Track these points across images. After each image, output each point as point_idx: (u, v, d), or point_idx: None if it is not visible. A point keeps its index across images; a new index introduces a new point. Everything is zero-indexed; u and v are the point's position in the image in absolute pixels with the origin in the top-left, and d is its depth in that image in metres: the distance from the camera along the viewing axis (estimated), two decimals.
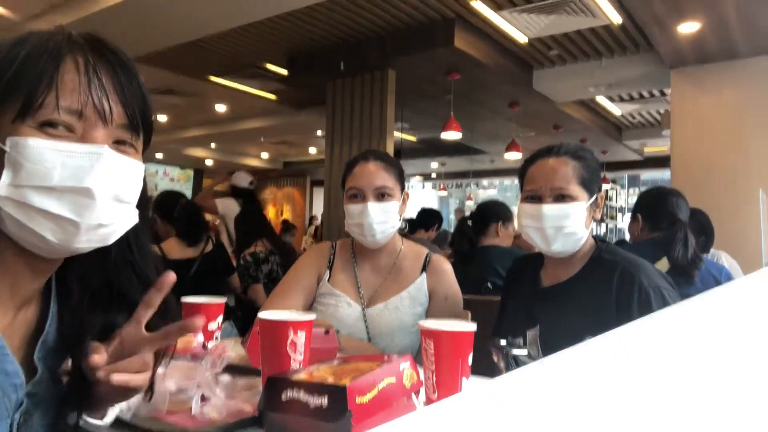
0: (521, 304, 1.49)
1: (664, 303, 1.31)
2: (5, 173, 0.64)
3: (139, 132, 0.73)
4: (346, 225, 1.65)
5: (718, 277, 2.23)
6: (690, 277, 2.05)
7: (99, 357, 0.69)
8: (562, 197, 1.39)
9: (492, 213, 3.01)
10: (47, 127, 0.65)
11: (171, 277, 0.73)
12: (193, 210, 3.32)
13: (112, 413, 0.79)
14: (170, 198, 3.29)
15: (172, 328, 0.73)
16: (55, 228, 0.66)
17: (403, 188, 1.69)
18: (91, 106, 0.67)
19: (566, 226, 1.38)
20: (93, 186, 0.65)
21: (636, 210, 2.41)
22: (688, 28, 4.44)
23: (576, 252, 1.44)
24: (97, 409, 0.77)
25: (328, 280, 1.67)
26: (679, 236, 2.12)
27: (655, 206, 2.33)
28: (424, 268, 1.68)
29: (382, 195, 1.61)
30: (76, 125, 0.67)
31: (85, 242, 0.68)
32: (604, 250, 1.45)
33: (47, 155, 0.64)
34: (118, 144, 0.71)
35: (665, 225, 2.22)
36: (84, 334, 0.74)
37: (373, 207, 1.59)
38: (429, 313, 1.65)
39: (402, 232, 1.74)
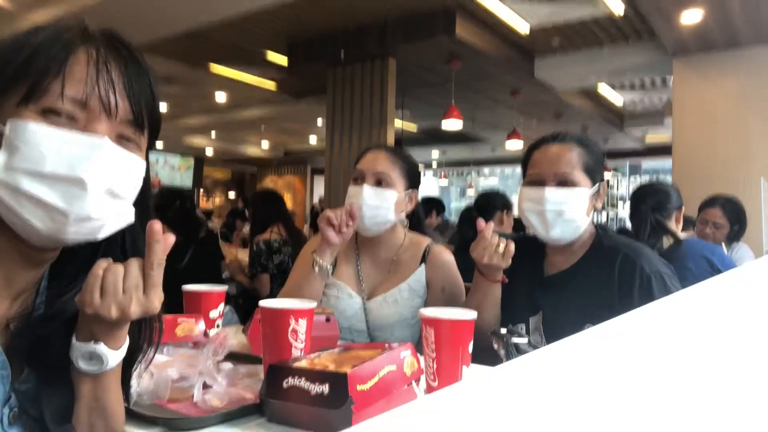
0: (523, 292, 1.49)
1: (666, 288, 1.32)
2: (0, 155, 0.63)
3: (143, 129, 0.72)
4: None
5: (710, 257, 2.24)
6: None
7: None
8: (564, 182, 1.39)
9: (496, 201, 3.18)
10: (50, 115, 0.64)
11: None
12: (186, 213, 3.35)
13: (125, 345, 0.73)
14: (165, 197, 3.32)
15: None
16: (44, 216, 0.64)
17: (411, 186, 1.68)
18: (96, 97, 0.66)
19: (566, 211, 1.37)
20: (86, 176, 0.64)
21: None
22: (691, 16, 4.41)
23: (576, 240, 1.44)
24: (111, 338, 0.70)
25: (332, 273, 1.67)
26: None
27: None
28: (423, 260, 1.68)
29: (379, 181, 1.62)
30: (80, 116, 0.66)
31: (73, 234, 0.67)
32: (604, 237, 1.46)
33: (44, 141, 0.63)
34: (120, 139, 0.70)
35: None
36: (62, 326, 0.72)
37: (368, 190, 1.59)
38: (426, 305, 1.64)
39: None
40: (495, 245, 1.39)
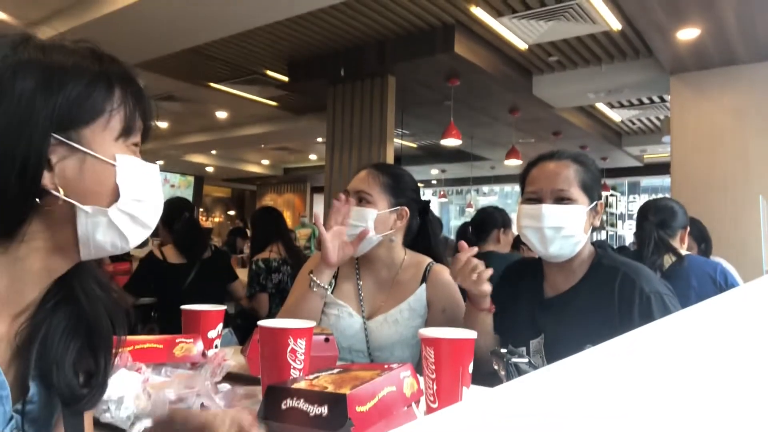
0: (523, 314, 1.48)
1: (665, 308, 1.31)
2: (122, 187, 0.71)
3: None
4: None
5: (713, 274, 2.23)
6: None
7: None
8: (561, 199, 1.40)
9: (493, 219, 3.06)
10: (133, 147, 0.75)
11: None
12: (192, 226, 3.33)
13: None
14: (174, 207, 3.28)
15: None
16: (141, 235, 0.75)
17: (399, 203, 1.65)
18: (143, 126, 0.76)
19: (564, 228, 1.38)
20: (161, 199, 0.78)
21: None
22: (688, 34, 4.45)
23: (574, 258, 1.43)
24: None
25: (332, 292, 1.66)
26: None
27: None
28: (424, 279, 1.66)
29: (359, 199, 1.62)
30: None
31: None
32: (603, 256, 1.45)
33: (142, 172, 0.74)
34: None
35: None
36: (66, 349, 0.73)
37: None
38: (427, 326, 1.63)
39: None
40: (469, 269, 1.39)
